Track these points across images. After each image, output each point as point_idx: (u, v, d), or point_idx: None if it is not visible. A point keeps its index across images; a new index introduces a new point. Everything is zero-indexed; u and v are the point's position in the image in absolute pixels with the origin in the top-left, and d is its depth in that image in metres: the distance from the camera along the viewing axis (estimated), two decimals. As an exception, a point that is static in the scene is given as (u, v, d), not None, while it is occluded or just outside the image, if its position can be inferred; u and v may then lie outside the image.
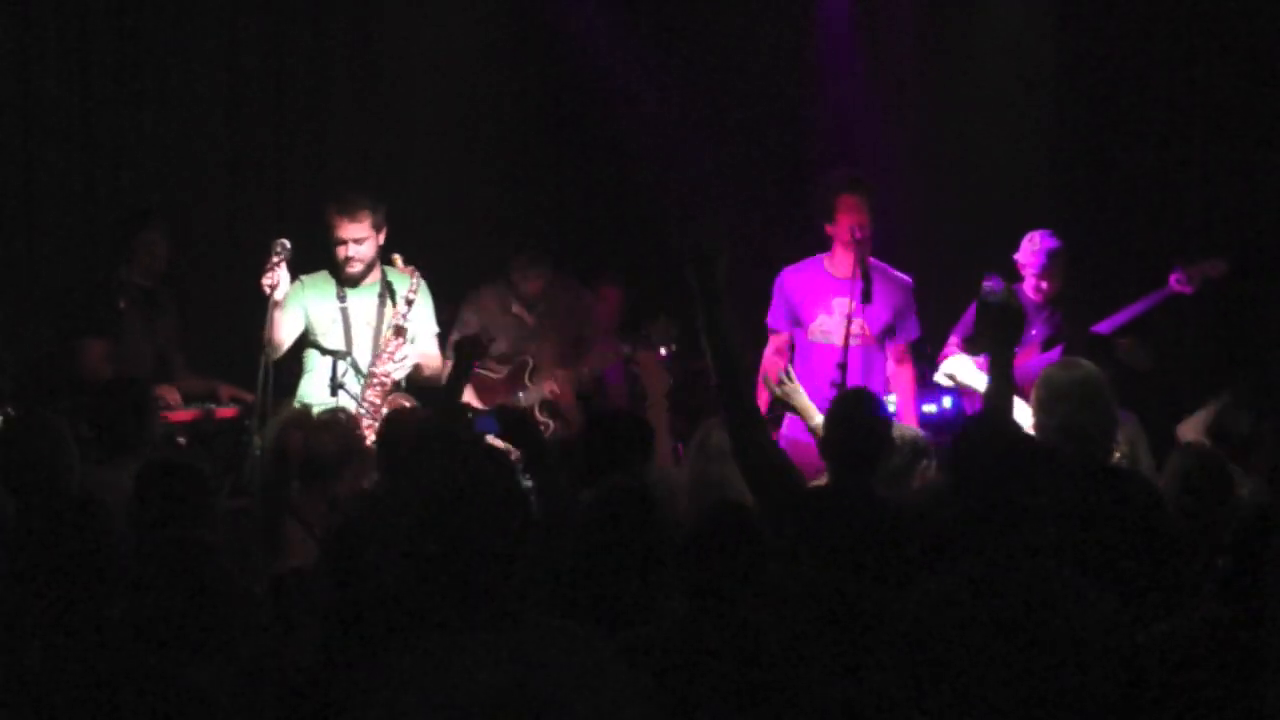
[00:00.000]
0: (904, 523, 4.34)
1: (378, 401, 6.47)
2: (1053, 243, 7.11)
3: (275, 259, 6.47)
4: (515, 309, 7.35)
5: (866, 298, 6.37)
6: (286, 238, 6.54)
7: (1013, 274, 7.09)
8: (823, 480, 4.78)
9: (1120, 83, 8.40)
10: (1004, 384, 4.51)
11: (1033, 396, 4.60)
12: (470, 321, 7.25)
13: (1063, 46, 8.51)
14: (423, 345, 6.75)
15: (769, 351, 6.81)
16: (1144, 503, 4.32)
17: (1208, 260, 7.08)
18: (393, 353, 6.53)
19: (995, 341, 4.56)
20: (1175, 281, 7.06)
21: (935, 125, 8.68)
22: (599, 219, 8.98)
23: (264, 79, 8.37)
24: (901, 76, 8.76)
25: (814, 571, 4.15)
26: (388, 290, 6.67)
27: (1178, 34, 8.30)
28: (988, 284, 4.92)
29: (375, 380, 6.52)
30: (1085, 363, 4.69)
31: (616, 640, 3.54)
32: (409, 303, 6.59)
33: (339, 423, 5.47)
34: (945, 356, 7.13)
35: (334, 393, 6.43)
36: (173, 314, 7.20)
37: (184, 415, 6.89)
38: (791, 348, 6.81)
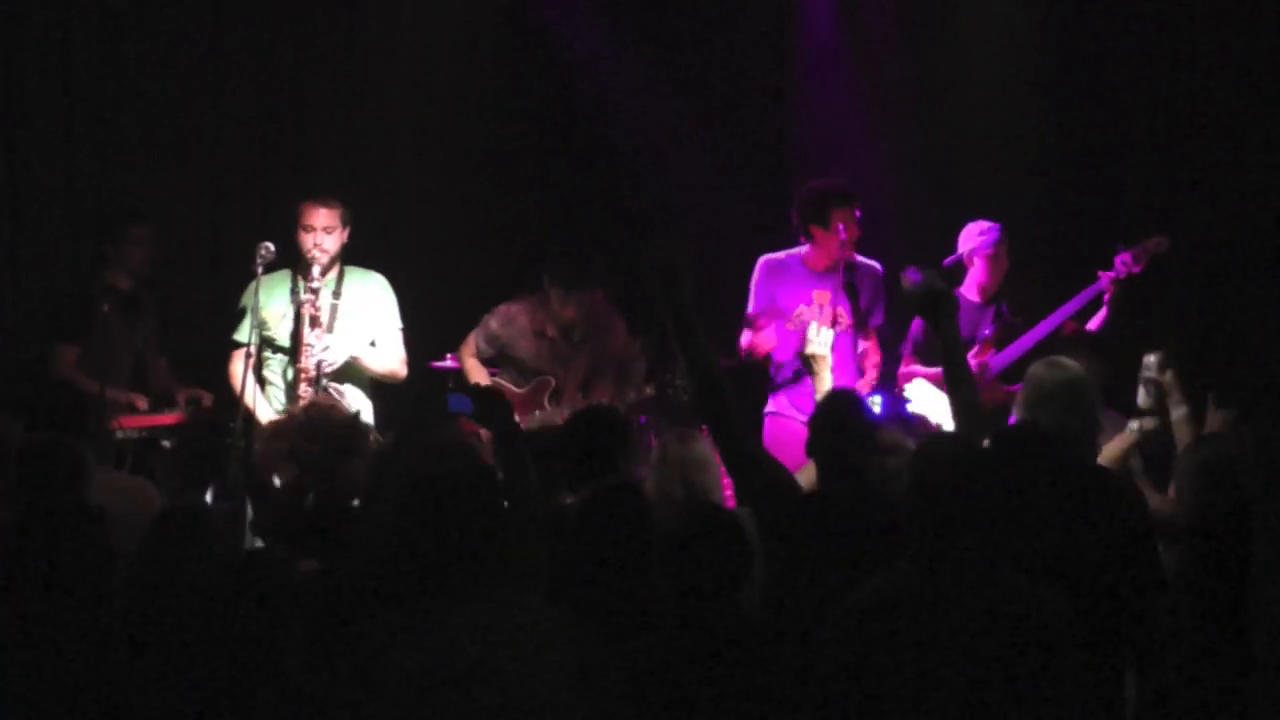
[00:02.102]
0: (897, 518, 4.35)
1: (310, 391, 6.53)
2: (996, 224, 7.13)
3: (259, 263, 6.52)
4: (550, 332, 7.09)
5: (855, 310, 6.81)
6: (270, 241, 6.58)
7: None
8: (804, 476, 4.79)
9: (1106, 78, 8.39)
10: (960, 369, 4.45)
11: (1018, 396, 4.61)
12: (494, 331, 7.14)
13: (1048, 42, 8.50)
14: (383, 341, 6.82)
15: (764, 328, 7.01)
16: (1127, 503, 4.32)
17: (1149, 238, 6.97)
18: (311, 344, 6.58)
19: (937, 326, 4.49)
20: (1120, 264, 6.98)
21: (920, 123, 8.67)
22: (587, 222, 8.95)
23: (248, 81, 8.35)
24: (886, 74, 8.76)
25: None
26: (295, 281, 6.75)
27: (1164, 30, 8.30)
28: (907, 277, 4.88)
29: (302, 374, 6.58)
30: (1070, 363, 4.69)
31: (610, 649, 3.57)
32: (315, 291, 6.64)
33: (326, 422, 5.42)
34: (902, 373, 7.14)
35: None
36: (153, 318, 7.19)
37: (167, 419, 6.90)
38: None
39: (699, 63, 8.85)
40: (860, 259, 6.93)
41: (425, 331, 7.57)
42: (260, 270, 6.55)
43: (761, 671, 3.69)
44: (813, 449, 4.56)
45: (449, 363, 7.46)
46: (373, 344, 6.81)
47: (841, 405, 4.65)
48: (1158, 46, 8.29)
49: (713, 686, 3.64)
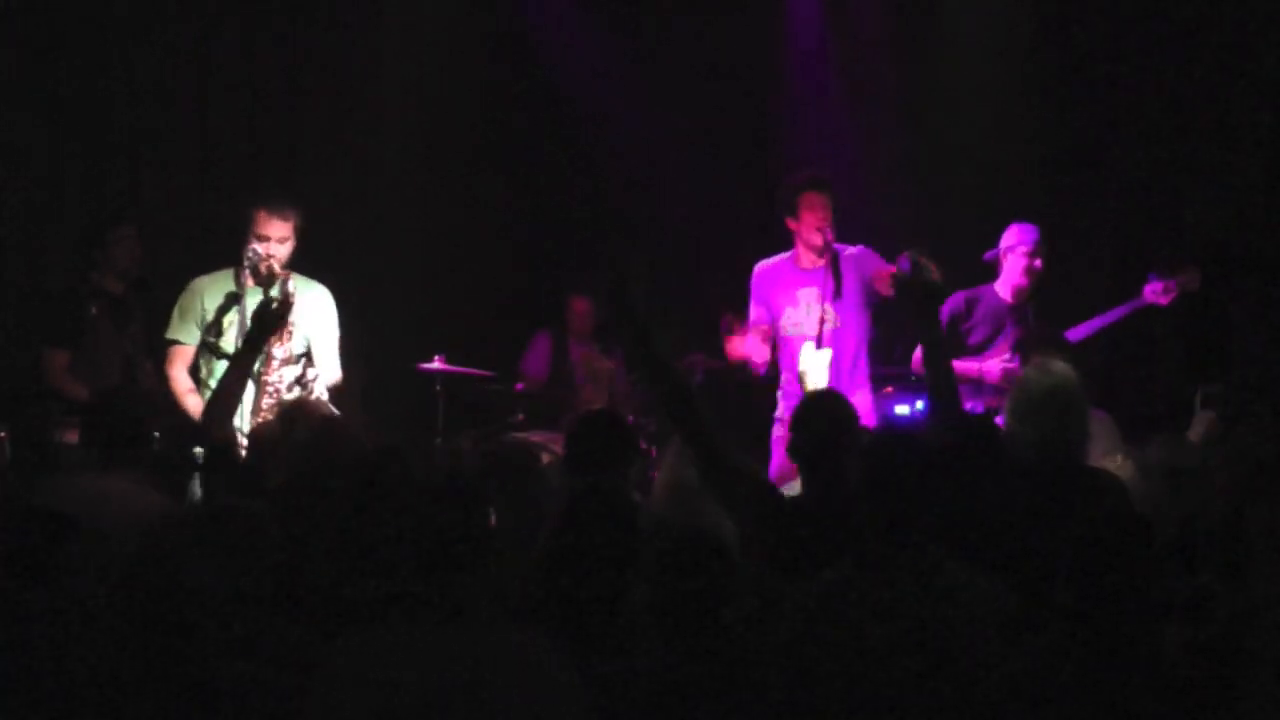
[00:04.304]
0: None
1: (273, 404, 6.30)
2: (1035, 225, 7.12)
3: (245, 265, 6.48)
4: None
5: (838, 295, 6.61)
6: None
7: (984, 275, 7.10)
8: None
9: (1096, 75, 8.39)
10: (942, 368, 4.40)
11: (1007, 400, 4.57)
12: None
13: (1037, 39, 8.50)
14: (321, 352, 6.57)
15: (750, 338, 6.97)
16: (1115, 502, 4.28)
17: (1183, 271, 6.99)
18: (275, 355, 6.35)
19: (920, 320, 4.44)
20: (1150, 293, 6.98)
21: (908, 122, 8.67)
22: (571, 226, 8.94)
23: (236, 81, 8.35)
24: (873, 74, 8.76)
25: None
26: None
27: (1155, 29, 8.29)
28: (899, 264, 4.81)
29: (265, 388, 6.37)
30: (1061, 367, 4.63)
31: (593, 676, 3.53)
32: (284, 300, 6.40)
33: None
34: (917, 359, 7.11)
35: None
36: (141, 320, 7.17)
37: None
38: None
39: (686, 64, 8.84)
40: (842, 249, 6.78)
41: (415, 333, 7.57)
42: (249, 272, 6.49)
43: (749, 692, 3.63)
44: (793, 451, 4.53)
45: (436, 364, 7.44)
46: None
47: (821, 407, 4.61)
48: (1150, 43, 8.28)
49: (693, 708, 3.58)
